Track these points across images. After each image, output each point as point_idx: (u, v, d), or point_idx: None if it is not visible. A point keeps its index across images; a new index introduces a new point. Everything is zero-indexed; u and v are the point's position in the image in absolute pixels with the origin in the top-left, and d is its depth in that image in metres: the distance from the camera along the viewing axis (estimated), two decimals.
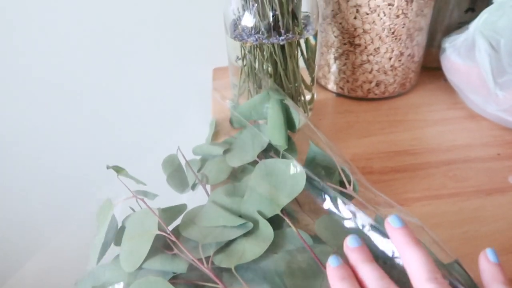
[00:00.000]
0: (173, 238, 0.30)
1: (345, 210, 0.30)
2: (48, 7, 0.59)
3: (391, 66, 0.52)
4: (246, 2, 0.42)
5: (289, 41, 0.43)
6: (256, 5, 0.42)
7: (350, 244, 0.26)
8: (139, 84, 0.68)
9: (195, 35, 0.63)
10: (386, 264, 0.26)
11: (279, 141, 0.38)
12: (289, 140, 0.40)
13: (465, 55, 0.48)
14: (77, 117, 0.70)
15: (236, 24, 0.45)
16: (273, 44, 0.43)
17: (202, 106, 0.62)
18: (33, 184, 0.79)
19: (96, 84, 0.67)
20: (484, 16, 0.46)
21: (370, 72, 0.53)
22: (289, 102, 0.41)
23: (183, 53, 0.65)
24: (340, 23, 0.51)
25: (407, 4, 0.47)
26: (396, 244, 0.25)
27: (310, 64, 0.48)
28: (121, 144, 0.75)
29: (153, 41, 0.64)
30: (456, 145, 0.47)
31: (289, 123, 0.41)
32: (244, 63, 0.46)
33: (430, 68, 0.60)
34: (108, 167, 0.36)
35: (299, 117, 0.40)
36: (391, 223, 0.26)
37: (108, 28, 0.61)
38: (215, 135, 0.48)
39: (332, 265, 0.25)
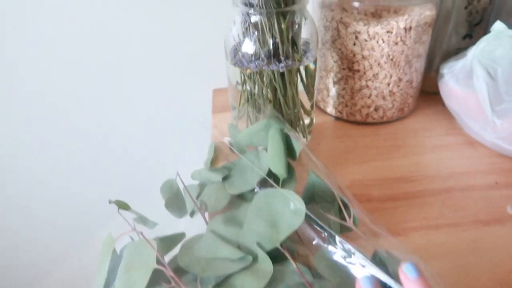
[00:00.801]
0: (171, 274, 0.29)
1: (343, 249, 0.29)
2: (48, 36, 0.59)
3: (390, 91, 0.53)
4: (247, 29, 0.43)
5: (289, 68, 0.43)
6: (256, 32, 0.42)
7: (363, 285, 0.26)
8: (138, 104, 0.68)
9: (195, 56, 0.64)
10: None
11: (279, 170, 0.38)
12: (288, 168, 0.40)
13: (463, 82, 0.49)
14: (76, 137, 0.70)
15: (236, 50, 0.45)
16: (273, 71, 0.43)
17: (201, 128, 0.62)
18: (41, 210, 0.78)
19: (95, 104, 0.67)
20: (482, 44, 0.47)
21: (369, 97, 0.53)
22: (289, 130, 0.41)
23: (183, 73, 0.66)
24: (339, 49, 0.51)
25: (405, 32, 0.48)
26: None
27: (309, 89, 0.48)
28: (119, 166, 0.74)
29: (152, 60, 0.64)
30: (454, 172, 0.47)
31: (289, 151, 0.41)
32: (244, 88, 0.46)
33: (429, 93, 0.60)
34: (110, 202, 0.36)
35: (299, 145, 0.40)
36: (407, 272, 0.25)
37: (108, 49, 0.61)
38: (214, 159, 0.48)
39: None
